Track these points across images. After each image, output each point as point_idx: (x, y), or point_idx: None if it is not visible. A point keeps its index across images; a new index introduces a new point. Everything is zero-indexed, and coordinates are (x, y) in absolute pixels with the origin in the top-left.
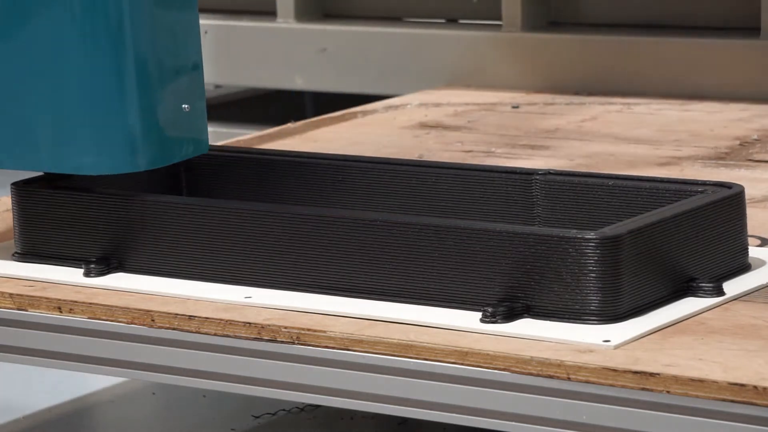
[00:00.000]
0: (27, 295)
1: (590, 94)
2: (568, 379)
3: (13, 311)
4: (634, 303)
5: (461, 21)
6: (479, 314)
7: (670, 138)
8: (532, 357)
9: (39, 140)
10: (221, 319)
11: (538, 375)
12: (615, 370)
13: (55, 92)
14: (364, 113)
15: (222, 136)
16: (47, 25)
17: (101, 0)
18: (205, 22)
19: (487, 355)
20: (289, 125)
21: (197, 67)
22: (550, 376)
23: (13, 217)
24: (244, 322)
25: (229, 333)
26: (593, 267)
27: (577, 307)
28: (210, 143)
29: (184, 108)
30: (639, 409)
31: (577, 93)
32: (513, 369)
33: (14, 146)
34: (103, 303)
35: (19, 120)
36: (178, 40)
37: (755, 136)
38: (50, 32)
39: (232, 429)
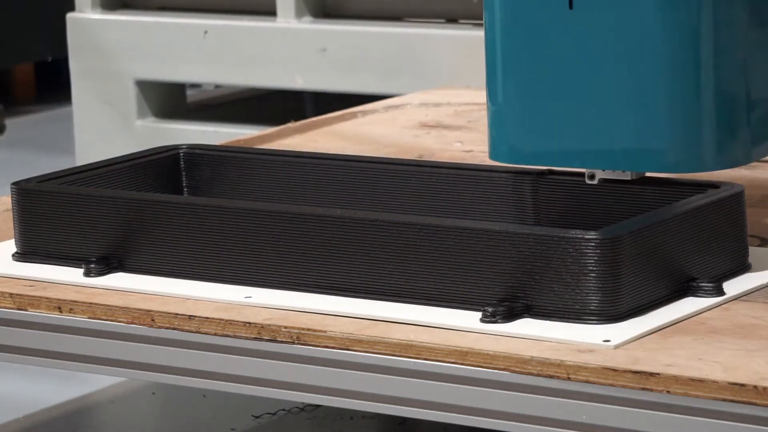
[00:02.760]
0: (27, 295)
1: None
2: (568, 379)
3: (13, 311)
4: (634, 303)
5: (461, 21)
6: (479, 314)
7: None
8: (532, 357)
9: (615, 141)
10: (221, 319)
11: (538, 375)
12: (615, 370)
13: (637, 91)
14: (364, 113)
15: (222, 136)
16: (628, 23)
17: (684, 8)
18: (205, 22)
19: (487, 355)
20: (289, 125)
21: None
22: (550, 376)
23: (13, 217)
24: (244, 322)
25: (229, 333)
26: (593, 267)
27: (577, 307)
28: (210, 143)
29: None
30: (639, 409)
31: None
32: (513, 369)
33: (590, 144)
34: (103, 303)
35: (594, 120)
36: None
37: None
38: (631, 30)
39: (232, 429)
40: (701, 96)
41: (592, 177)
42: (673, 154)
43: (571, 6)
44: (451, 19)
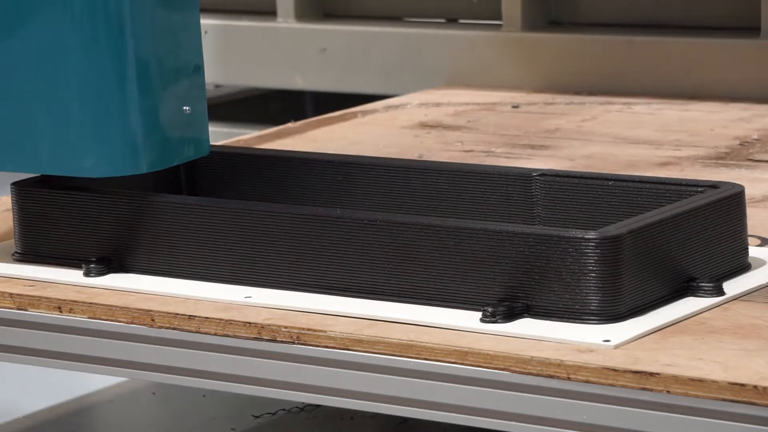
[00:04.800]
0: (27, 295)
1: (590, 94)
2: (568, 379)
3: (13, 311)
4: (634, 303)
5: (461, 21)
6: (479, 314)
7: (670, 138)
8: (532, 357)
9: (39, 142)
10: (221, 319)
11: (538, 375)
12: (615, 370)
13: (55, 94)
14: (364, 113)
15: (222, 136)
16: (47, 26)
17: (102, 1)
18: (205, 22)
19: (487, 355)
20: (289, 125)
21: (198, 69)
22: (550, 376)
23: (13, 217)
24: (244, 322)
25: (229, 333)
26: (593, 267)
27: (577, 307)
28: (210, 143)
29: (185, 110)
30: (639, 409)
31: (577, 93)
32: (513, 369)
33: (14, 148)
34: (103, 303)
35: (19, 122)
36: (179, 41)
37: (755, 136)
38: (50, 33)
39: (232, 429)
40: (116, 104)
41: None
42: (90, 159)
43: None
44: (451, 19)
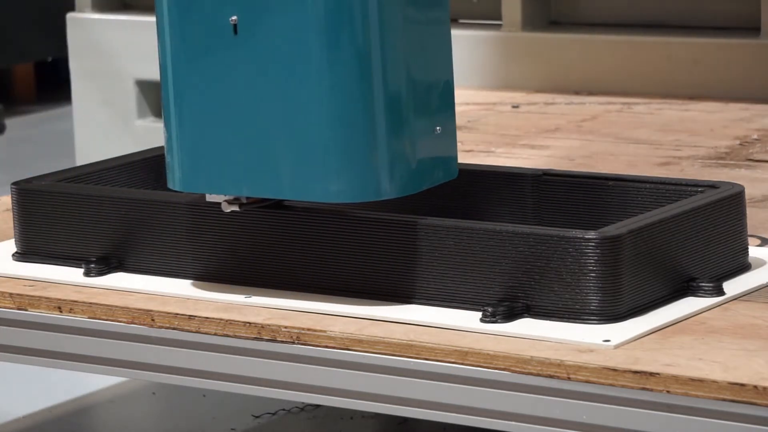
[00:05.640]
0: (27, 295)
1: (590, 94)
2: (568, 379)
3: (13, 311)
4: (634, 303)
5: (461, 21)
6: (479, 314)
7: (670, 138)
8: (532, 357)
9: (279, 167)
10: (221, 319)
11: (538, 375)
12: (615, 370)
13: (298, 118)
14: None
15: None
16: (291, 49)
17: (348, 20)
18: None
19: (487, 355)
20: None
21: (448, 84)
22: (550, 376)
23: (13, 217)
24: (244, 322)
25: (229, 333)
26: (593, 267)
27: (577, 307)
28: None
29: (436, 130)
30: (639, 409)
31: (577, 93)
32: (513, 369)
33: (252, 172)
34: (103, 303)
35: (258, 146)
36: (431, 57)
37: (755, 136)
38: (294, 56)
39: (232, 429)
40: (363, 125)
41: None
42: (336, 184)
43: (236, 32)
44: (452, 19)
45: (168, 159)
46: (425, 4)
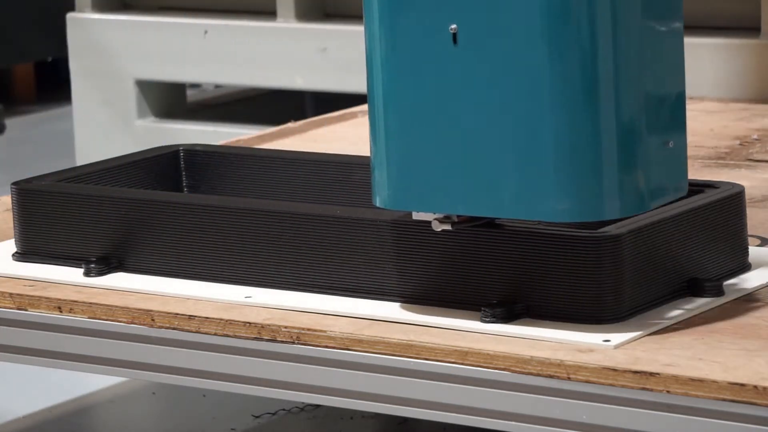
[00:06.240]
0: (27, 295)
1: None
2: (568, 379)
3: (13, 311)
4: (634, 303)
5: None
6: (479, 314)
7: None
8: (532, 357)
9: (501, 185)
10: (221, 319)
11: (538, 375)
12: (615, 370)
13: (525, 133)
14: (364, 113)
15: (222, 136)
16: (517, 63)
17: (575, 39)
18: (205, 21)
19: (487, 355)
20: (289, 125)
21: (681, 96)
22: (550, 376)
23: (13, 217)
24: (244, 322)
25: (229, 333)
26: (593, 267)
27: (577, 307)
28: (210, 143)
29: (668, 144)
30: (639, 409)
31: None
32: (513, 369)
33: (469, 190)
34: (103, 303)
35: (479, 165)
36: (664, 67)
37: (755, 136)
38: (521, 70)
39: (232, 429)
40: (594, 141)
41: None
42: (563, 202)
43: (455, 41)
44: None
45: (376, 175)
46: (662, 15)
